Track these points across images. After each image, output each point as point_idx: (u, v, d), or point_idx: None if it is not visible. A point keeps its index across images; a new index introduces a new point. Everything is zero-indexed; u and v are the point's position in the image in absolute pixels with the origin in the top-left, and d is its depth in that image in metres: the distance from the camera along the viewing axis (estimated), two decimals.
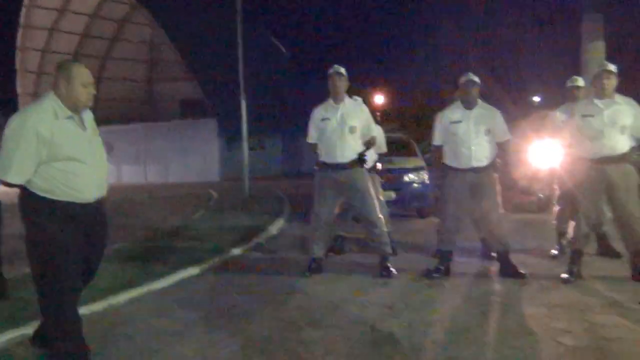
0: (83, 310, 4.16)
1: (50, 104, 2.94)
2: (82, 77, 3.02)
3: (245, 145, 13.84)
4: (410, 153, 9.60)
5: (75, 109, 3.01)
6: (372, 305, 4.27)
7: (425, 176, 8.92)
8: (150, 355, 3.37)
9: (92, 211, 3.10)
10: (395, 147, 9.34)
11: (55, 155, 2.89)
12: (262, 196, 13.52)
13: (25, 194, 2.95)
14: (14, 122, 2.87)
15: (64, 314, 3.02)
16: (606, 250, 5.58)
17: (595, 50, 9.65)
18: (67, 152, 2.92)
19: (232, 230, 8.07)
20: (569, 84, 5.57)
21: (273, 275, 5.38)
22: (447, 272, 5.04)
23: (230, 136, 23.27)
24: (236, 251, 6.57)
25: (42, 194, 2.92)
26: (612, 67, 4.51)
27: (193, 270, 5.55)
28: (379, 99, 35.16)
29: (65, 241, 2.97)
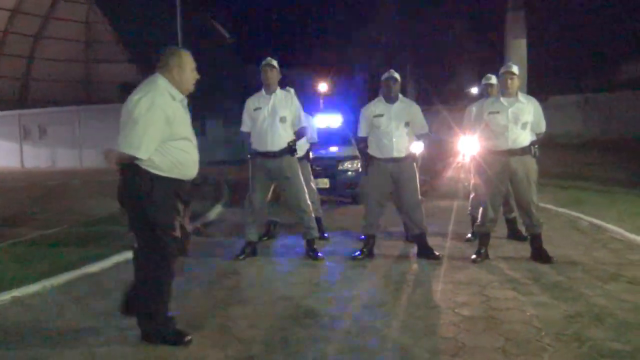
0: (17, 292, 4.31)
1: (165, 86, 3.15)
2: (191, 63, 3.26)
3: None
4: (345, 142, 10.00)
5: (182, 92, 3.24)
6: (298, 285, 4.62)
7: (358, 165, 9.33)
8: (88, 334, 3.54)
9: (189, 189, 3.34)
10: (331, 137, 9.74)
11: (174, 134, 3.12)
12: (202, 182, 13.59)
13: (137, 171, 3.11)
14: (143, 103, 3.03)
15: (166, 292, 3.30)
16: (514, 234, 6.16)
17: (517, 47, 10.34)
18: (183, 132, 3.17)
19: None
20: (483, 81, 6.07)
21: (208, 259, 5.63)
22: (370, 254, 5.45)
23: None
24: None
25: (153, 171, 3.11)
26: (515, 69, 5.01)
27: (129, 254, 5.69)
28: (323, 86, 35.51)
29: (175, 217, 3.20)
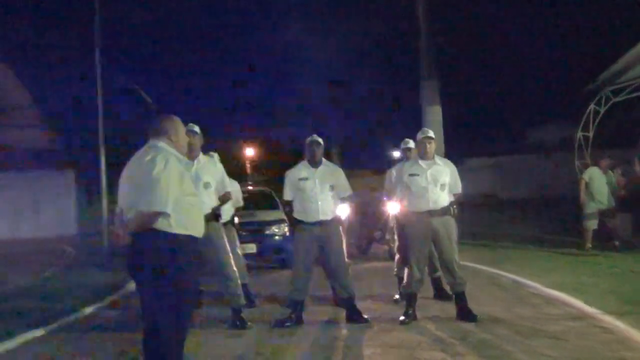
0: None
1: (168, 148, 3.26)
2: (183, 127, 3.45)
3: (104, 198, 13.32)
4: (272, 206, 9.96)
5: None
6: (224, 357, 4.41)
7: (285, 229, 9.27)
8: None
9: (197, 248, 3.31)
10: (257, 200, 9.69)
11: (184, 190, 3.17)
12: (123, 251, 12.97)
13: (156, 235, 3.06)
14: (159, 161, 3.08)
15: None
16: (440, 293, 6.26)
17: (433, 113, 10.96)
18: (190, 188, 3.26)
19: (86, 288, 7.75)
20: (402, 145, 6.33)
21: (125, 333, 5.26)
22: (299, 320, 5.33)
23: (89, 189, 22.05)
24: (88, 310, 6.33)
25: (171, 230, 3.07)
26: (431, 133, 5.29)
27: (39, 332, 5.28)
28: (250, 151, 35.72)
29: (195, 274, 3.25)
